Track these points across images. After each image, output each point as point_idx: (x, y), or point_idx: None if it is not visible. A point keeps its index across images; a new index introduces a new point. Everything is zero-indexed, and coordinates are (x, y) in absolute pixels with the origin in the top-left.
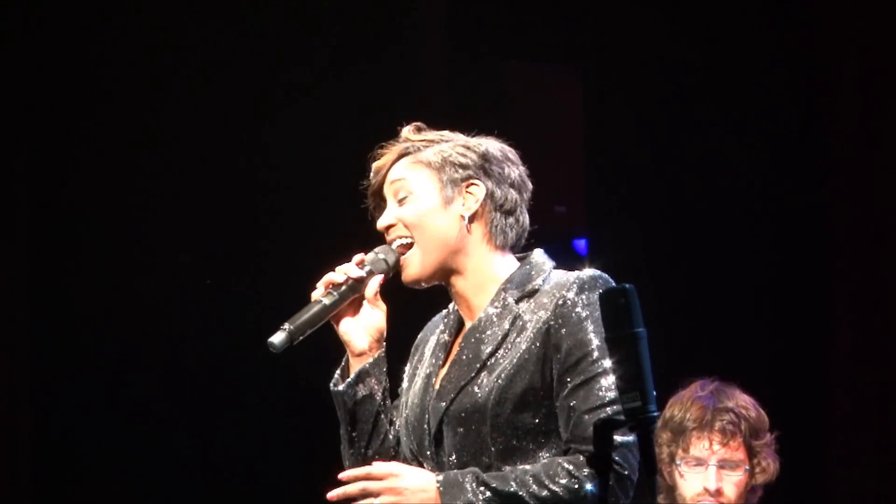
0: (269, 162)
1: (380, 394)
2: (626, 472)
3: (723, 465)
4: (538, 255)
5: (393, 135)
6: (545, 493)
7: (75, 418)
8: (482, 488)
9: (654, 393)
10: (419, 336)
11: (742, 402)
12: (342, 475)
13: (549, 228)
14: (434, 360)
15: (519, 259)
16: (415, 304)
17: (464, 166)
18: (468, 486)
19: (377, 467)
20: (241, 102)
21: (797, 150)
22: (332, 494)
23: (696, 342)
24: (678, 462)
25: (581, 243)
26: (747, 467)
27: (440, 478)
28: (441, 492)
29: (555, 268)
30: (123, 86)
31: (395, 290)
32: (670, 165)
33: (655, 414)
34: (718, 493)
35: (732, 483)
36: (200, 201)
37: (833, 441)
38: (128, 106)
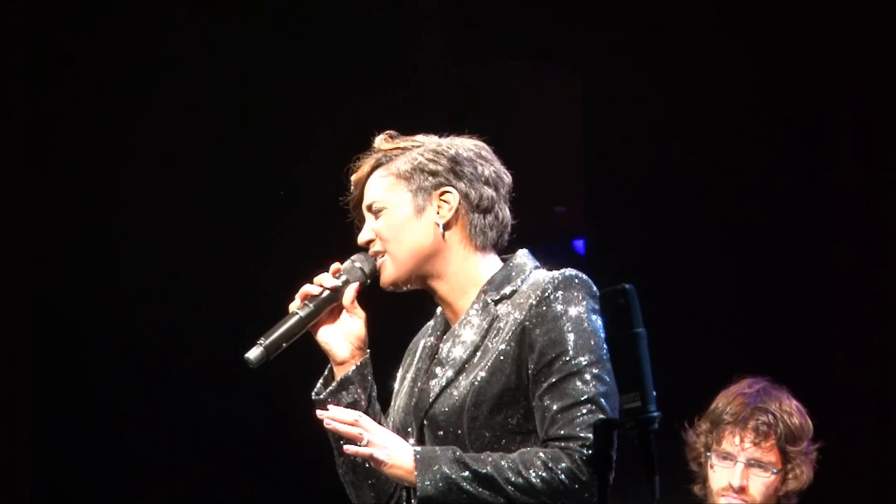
0: (267, 164)
1: (365, 400)
2: None
3: (751, 463)
4: (521, 256)
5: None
6: (520, 480)
7: (74, 423)
8: (458, 465)
9: (655, 393)
10: (412, 341)
11: (786, 406)
12: (329, 412)
13: (549, 228)
14: (420, 364)
15: (503, 260)
16: (404, 309)
17: (434, 173)
18: (444, 460)
19: (366, 419)
20: (238, 104)
21: (799, 148)
22: (326, 415)
23: (696, 342)
24: (709, 453)
25: (580, 243)
26: (776, 470)
27: (419, 449)
28: (417, 460)
29: (537, 268)
30: (124, 87)
31: (386, 297)
32: (670, 165)
33: (655, 414)
34: (742, 490)
35: (761, 483)
36: (199, 202)
37: (832, 442)
38: (127, 106)
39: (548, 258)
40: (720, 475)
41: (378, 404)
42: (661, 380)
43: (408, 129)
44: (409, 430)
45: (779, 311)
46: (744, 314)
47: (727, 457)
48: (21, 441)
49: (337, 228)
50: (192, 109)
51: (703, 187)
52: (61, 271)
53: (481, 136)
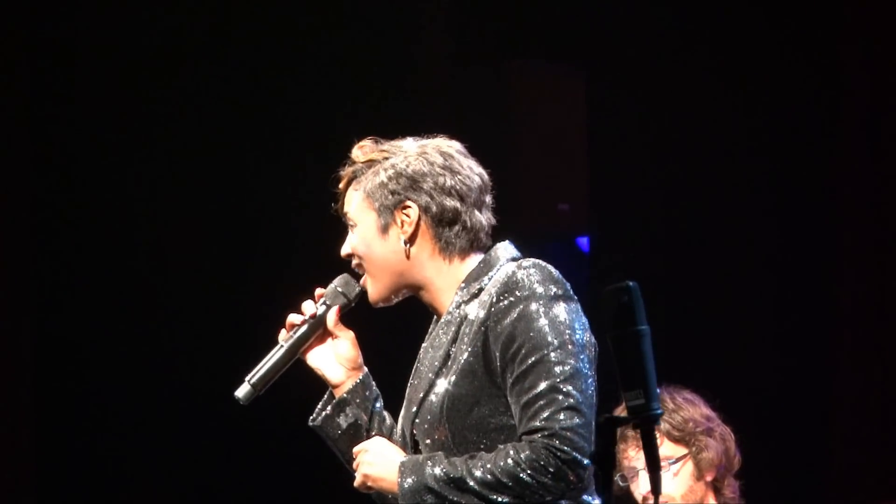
0: (269, 166)
1: (366, 418)
2: (567, 457)
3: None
4: (495, 251)
5: (397, 135)
6: (487, 476)
7: (76, 415)
8: (430, 469)
9: (658, 391)
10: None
11: (668, 404)
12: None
13: (553, 226)
14: (414, 371)
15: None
16: (412, 315)
17: (393, 192)
18: (421, 466)
19: (358, 447)
20: (241, 105)
21: (802, 149)
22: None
23: (699, 340)
24: (617, 477)
25: (584, 241)
26: (674, 461)
27: (404, 459)
28: (401, 469)
29: (511, 260)
30: (122, 85)
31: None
32: (673, 163)
33: (659, 412)
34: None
35: (669, 479)
36: (200, 203)
37: (833, 444)
38: (127, 105)
39: (552, 256)
40: (635, 488)
41: (386, 413)
42: (665, 377)
43: (411, 129)
44: (405, 438)
45: (782, 310)
46: (747, 311)
47: (631, 472)
48: (24, 444)
49: (338, 236)
50: (193, 112)
51: (706, 185)
52: (63, 273)
53: (483, 135)
